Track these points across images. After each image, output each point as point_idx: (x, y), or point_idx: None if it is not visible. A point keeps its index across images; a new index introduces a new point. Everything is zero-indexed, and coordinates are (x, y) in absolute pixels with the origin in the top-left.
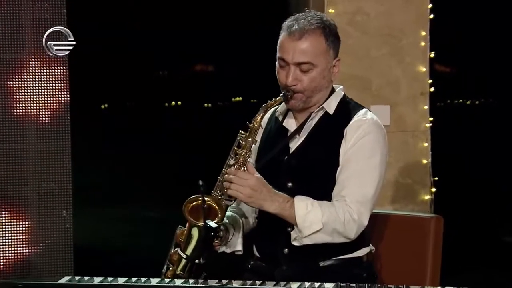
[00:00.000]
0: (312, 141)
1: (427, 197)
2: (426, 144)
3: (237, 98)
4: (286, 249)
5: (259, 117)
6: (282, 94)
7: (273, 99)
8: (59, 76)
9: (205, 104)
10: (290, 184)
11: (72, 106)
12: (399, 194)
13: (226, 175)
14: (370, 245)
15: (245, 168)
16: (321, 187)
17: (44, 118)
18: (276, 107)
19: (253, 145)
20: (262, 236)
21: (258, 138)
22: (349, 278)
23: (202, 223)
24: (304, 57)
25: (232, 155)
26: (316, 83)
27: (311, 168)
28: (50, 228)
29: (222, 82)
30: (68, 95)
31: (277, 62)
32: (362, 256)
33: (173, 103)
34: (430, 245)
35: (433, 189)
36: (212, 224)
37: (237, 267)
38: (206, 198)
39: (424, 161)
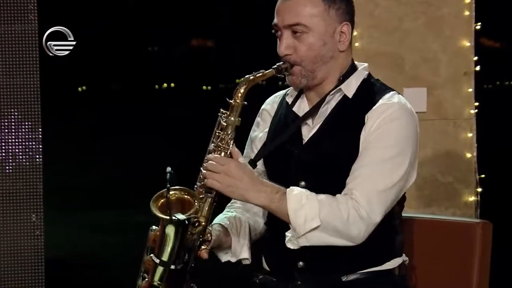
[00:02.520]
0: (328, 130)
1: (472, 198)
2: (470, 135)
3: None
4: (300, 262)
5: (241, 91)
6: (275, 66)
7: (261, 70)
8: (29, 57)
9: (204, 87)
10: (303, 183)
11: (43, 88)
12: (438, 195)
13: (204, 163)
14: (403, 255)
15: (228, 153)
16: (341, 186)
17: (9, 102)
18: (287, 90)
19: (236, 125)
20: (272, 246)
21: (266, 127)
22: None
23: (168, 216)
24: (294, 18)
25: (213, 140)
26: (314, 52)
27: (326, 163)
28: (17, 235)
29: (224, 60)
30: (38, 78)
31: None
32: (394, 268)
33: (165, 85)
34: (476, 255)
35: (479, 189)
36: (180, 216)
37: (243, 282)
38: (175, 191)
39: (468, 155)
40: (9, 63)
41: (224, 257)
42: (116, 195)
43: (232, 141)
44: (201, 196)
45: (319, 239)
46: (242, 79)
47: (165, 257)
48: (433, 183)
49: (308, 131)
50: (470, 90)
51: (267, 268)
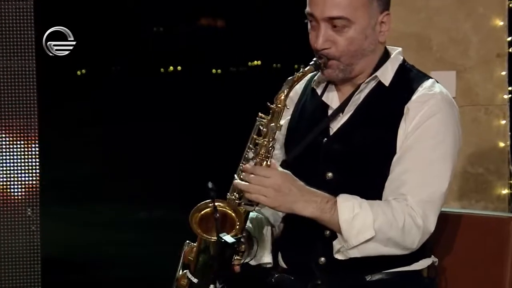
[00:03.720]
0: (360, 119)
1: (505, 191)
2: (503, 122)
3: (255, 62)
4: (322, 258)
5: (283, 95)
6: (312, 62)
7: (301, 69)
8: (24, 35)
9: (214, 70)
10: (330, 175)
11: (38, 72)
12: (468, 188)
13: (243, 174)
14: (432, 255)
15: (268, 163)
16: (370, 179)
17: (3, 89)
18: (312, 74)
19: (277, 132)
20: (290, 241)
21: (288, 115)
22: None
23: (215, 238)
24: (336, 11)
25: (250, 146)
26: (355, 46)
27: (358, 154)
28: (11, 231)
29: (235, 41)
30: (34, 61)
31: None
32: (422, 269)
33: (171, 68)
34: (509, 252)
35: None
36: (228, 238)
37: (257, 282)
38: (218, 204)
39: (501, 144)
40: (4, 41)
41: (244, 260)
42: (118, 189)
43: (273, 150)
44: (240, 208)
45: (371, 250)
46: (285, 81)
47: (202, 276)
48: (462, 175)
49: (337, 121)
50: (504, 73)
51: (284, 266)
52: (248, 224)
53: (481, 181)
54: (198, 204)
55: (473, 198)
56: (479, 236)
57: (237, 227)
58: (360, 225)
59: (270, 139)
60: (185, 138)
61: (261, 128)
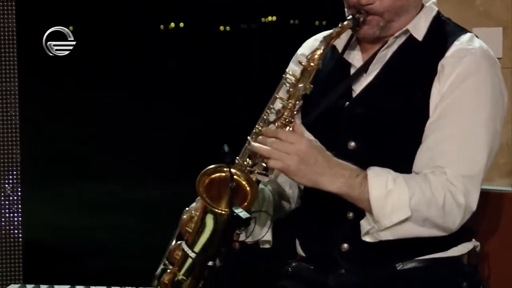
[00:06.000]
0: (388, 79)
1: None
2: None
3: (270, 17)
4: (345, 245)
5: (319, 53)
6: (350, 17)
7: (340, 24)
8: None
9: (221, 27)
10: (353, 144)
11: (20, 31)
12: None
13: (261, 137)
14: (473, 239)
15: (291, 128)
16: (399, 148)
17: None
18: (331, 32)
19: (306, 93)
20: (309, 226)
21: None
22: None
23: (226, 210)
24: None
25: (271, 107)
26: (402, 1)
27: (385, 119)
28: None
29: None
30: (15, 24)
31: None
32: (461, 255)
33: (173, 24)
34: None
35: None
36: (242, 213)
37: (272, 272)
38: (234, 172)
39: None
40: None
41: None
42: (113, 166)
43: (297, 114)
44: (252, 176)
45: (406, 231)
46: (322, 38)
47: (201, 250)
48: (511, 148)
49: (360, 81)
50: None
51: (302, 254)
52: None
53: None
54: (208, 168)
55: None
56: None
57: (249, 200)
58: (394, 204)
59: (296, 102)
60: (188, 106)
61: (287, 87)
